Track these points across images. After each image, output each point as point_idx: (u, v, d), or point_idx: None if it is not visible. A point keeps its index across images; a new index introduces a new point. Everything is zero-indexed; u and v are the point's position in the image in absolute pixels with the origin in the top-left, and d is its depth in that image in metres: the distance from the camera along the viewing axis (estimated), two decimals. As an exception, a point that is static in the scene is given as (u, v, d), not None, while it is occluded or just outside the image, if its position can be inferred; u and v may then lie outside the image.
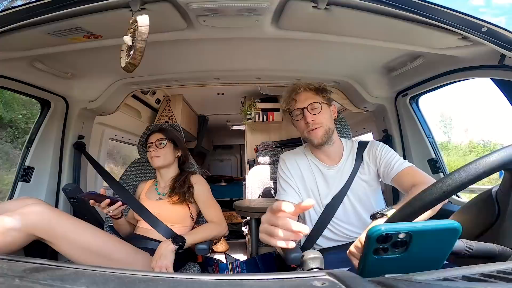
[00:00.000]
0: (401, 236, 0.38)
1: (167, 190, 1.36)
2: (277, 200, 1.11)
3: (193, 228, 1.35)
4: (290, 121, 1.14)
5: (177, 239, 1.13)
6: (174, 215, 1.30)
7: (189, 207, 1.32)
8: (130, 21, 0.78)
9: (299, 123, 1.07)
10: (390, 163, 1.02)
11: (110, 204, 1.12)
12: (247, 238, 2.39)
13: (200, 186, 1.37)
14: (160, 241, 1.16)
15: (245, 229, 2.54)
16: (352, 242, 1.05)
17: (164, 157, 1.38)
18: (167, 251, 1.08)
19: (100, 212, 1.54)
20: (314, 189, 1.11)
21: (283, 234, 0.52)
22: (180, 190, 1.32)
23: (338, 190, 1.07)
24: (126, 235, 1.32)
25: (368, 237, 0.39)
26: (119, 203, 1.14)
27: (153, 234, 1.26)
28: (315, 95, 1.06)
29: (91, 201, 1.11)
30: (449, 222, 0.39)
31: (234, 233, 3.29)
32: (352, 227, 1.07)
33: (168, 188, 1.36)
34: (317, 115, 1.04)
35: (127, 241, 1.17)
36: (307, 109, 1.03)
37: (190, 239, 1.17)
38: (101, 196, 1.10)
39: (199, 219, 1.42)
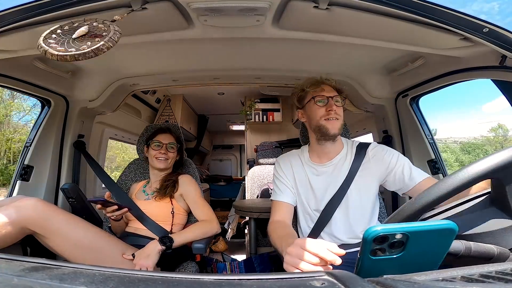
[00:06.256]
0: (398, 236, 0.38)
1: (155, 189, 1.38)
2: (272, 200, 1.11)
3: (173, 224, 1.35)
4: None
5: (165, 240, 1.13)
6: (158, 213, 1.31)
7: (171, 203, 1.33)
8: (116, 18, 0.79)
9: (318, 109, 1.07)
10: (408, 173, 1.01)
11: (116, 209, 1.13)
12: (246, 238, 2.39)
13: (188, 186, 1.37)
14: (149, 238, 1.19)
15: (226, 226, 2.53)
16: (349, 245, 1.04)
17: (170, 161, 1.40)
18: (153, 252, 1.09)
19: (99, 212, 1.54)
20: (309, 191, 1.10)
21: (316, 261, 0.56)
22: (166, 188, 1.34)
23: (335, 191, 1.06)
24: (120, 234, 1.33)
25: (365, 238, 0.39)
26: (125, 209, 1.15)
27: (143, 231, 1.27)
28: (337, 93, 1.11)
29: (98, 206, 1.12)
30: (445, 223, 0.39)
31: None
32: (350, 229, 1.06)
33: (156, 186, 1.38)
34: (339, 107, 1.08)
35: (119, 238, 1.18)
36: (332, 99, 1.07)
37: (179, 239, 1.17)
38: (108, 202, 1.11)
39: (190, 218, 1.42)
